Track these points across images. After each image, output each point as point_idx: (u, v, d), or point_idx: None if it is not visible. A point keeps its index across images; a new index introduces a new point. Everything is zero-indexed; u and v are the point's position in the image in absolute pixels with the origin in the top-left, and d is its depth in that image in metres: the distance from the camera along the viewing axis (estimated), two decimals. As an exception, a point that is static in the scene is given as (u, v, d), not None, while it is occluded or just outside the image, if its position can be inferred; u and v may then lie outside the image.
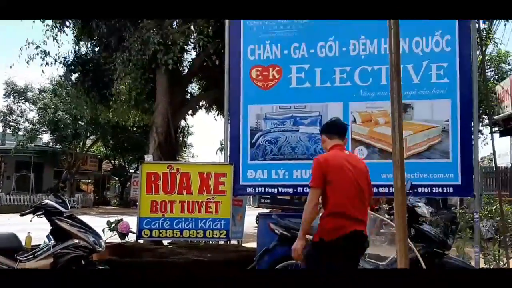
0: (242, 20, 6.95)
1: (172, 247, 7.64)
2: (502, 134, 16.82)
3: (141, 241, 7.26)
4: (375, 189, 6.53)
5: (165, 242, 7.88)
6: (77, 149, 33.31)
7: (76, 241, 5.11)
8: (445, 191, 6.52)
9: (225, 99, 7.06)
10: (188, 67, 11.23)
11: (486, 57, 17.38)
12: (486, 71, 17.86)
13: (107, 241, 7.13)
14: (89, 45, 11.45)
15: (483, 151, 36.41)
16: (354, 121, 6.65)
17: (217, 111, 12.65)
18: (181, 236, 6.91)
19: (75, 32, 10.98)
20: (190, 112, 12.36)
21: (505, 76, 18.32)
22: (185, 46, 9.63)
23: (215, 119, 13.14)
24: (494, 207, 7.46)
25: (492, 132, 7.61)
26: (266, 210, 13.41)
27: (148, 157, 8.11)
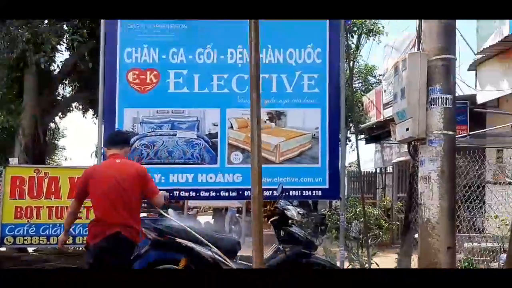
0: (119, 22, 6.79)
1: (38, 254, 7.23)
2: (368, 141, 18.13)
3: (3, 249, 6.80)
4: (249, 193, 6.78)
5: (31, 249, 7.43)
6: None
7: None
8: (314, 194, 6.90)
9: (99, 102, 6.83)
10: (60, 67, 10.71)
11: (355, 70, 18.62)
12: (354, 83, 19.11)
13: (-35, 250, 6.59)
14: None
15: (350, 157, 38.77)
16: (231, 127, 6.79)
17: (94, 114, 12.20)
18: (48, 242, 6.59)
19: None
20: (60, 114, 11.79)
21: (371, 88, 19.72)
22: (58, 46, 9.18)
23: (94, 123, 12.67)
24: (358, 209, 8.02)
25: (357, 140, 8.16)
26: (143, 215, 13.11)
27: (13, 160, 7.62)
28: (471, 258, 6.39)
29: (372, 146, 19.25)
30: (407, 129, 5.13)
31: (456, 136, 5.94)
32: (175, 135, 6.74)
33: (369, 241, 7.74)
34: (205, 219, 14.00)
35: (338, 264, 6.69)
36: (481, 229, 7.76)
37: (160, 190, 5.47)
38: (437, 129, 5.00)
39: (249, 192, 6.72)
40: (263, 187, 6.59)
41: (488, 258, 6.27)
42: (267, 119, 6.89)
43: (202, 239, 5.08)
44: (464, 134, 6.61)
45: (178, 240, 5.01)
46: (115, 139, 4.99)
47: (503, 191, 6.43)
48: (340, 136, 7.03)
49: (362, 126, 16.11)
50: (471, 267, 6.09)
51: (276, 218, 5.21)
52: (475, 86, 10.70)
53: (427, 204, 5.08)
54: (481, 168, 6.80)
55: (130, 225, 4.55)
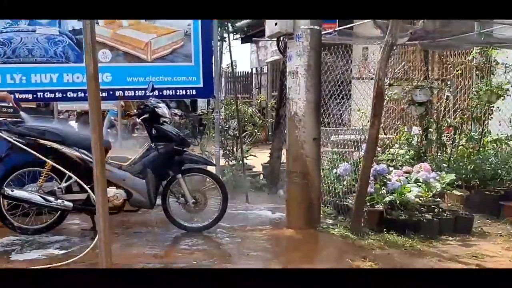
0: None
1: None
2: (243, 41, 18.16)
3: None
4: (120, 93, 6.57)
5: None
6: None
7: None
8: (188, 93, 6.85)
9: None
10: None
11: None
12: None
13: None
14: None
15: (226, 58, 38.81)
16: (97, 23, 6.37)
17: None
18: None
19: None
20: None
21: (246, -15, 19.39)
22: None
23: None
24: (233, 108, 8.13)
25: (229, 39, 8.13)
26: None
27: None
28: (336, 150, 6.84)
29: (248, 47, 19.34)
30: (276, 24, 5.18)
31: (324, 33, 6.13)
32: (35, 31, 6.21)
33: (244, 138, 7.97)
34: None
35: (214, 161, 6.85)
36: (347, 123, 8.30)
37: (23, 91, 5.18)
38: (304, 24, 5.10)
39: (120, 92, 6.55)
40: (133, 86, 6.55)
41: (352, 149, 6.74)
42: (135, 15, 6.55)
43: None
44: (331, 30, 6.82)
45: (42, 141, 4.76)
46: None
47: (366, 85, 6.83)
48: (213, 34, 6.92)
49: (237, 24, 16.02)
50: (337, 157, 6.54)
51: (146, 116, 5.11)
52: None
53: (294, 99, 5.28)
54: (348, 64, 7.13)
55: None
